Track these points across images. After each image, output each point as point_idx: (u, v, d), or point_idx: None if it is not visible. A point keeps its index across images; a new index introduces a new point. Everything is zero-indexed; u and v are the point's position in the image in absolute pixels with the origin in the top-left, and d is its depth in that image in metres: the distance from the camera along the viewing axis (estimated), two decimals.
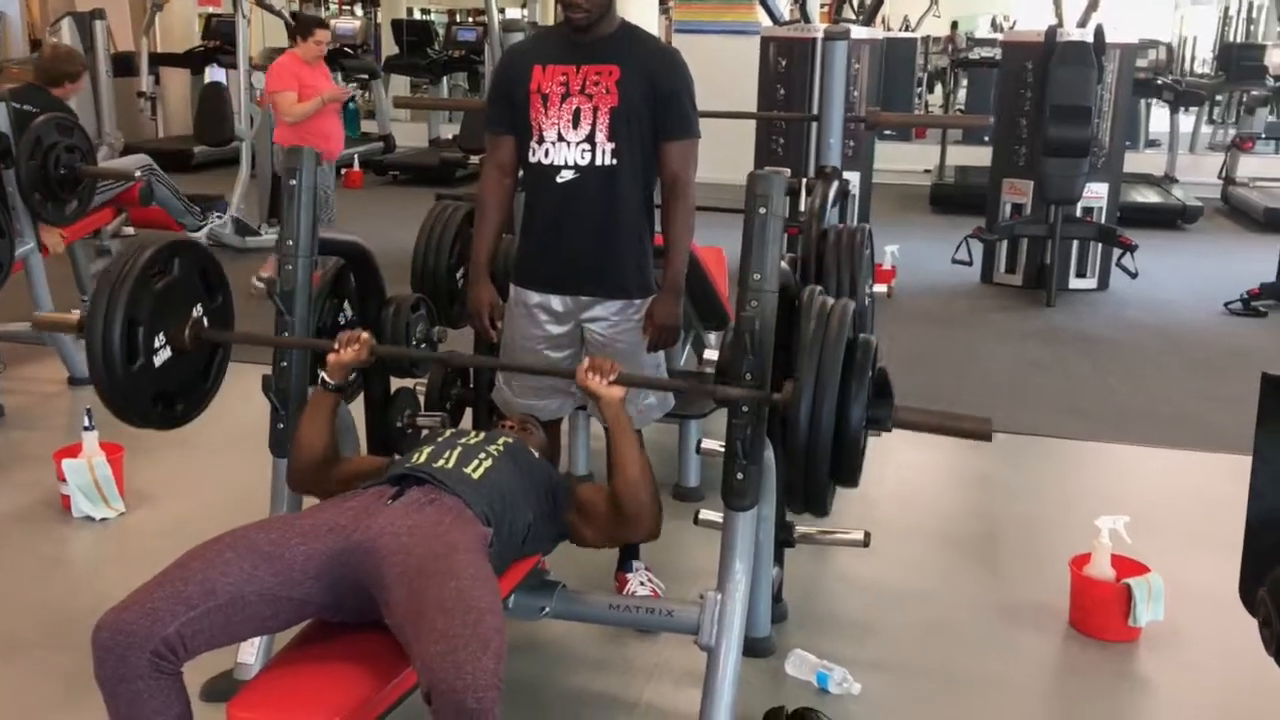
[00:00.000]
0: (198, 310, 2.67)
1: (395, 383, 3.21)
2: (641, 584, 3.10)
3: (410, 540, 2.02)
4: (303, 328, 2.73)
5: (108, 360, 2.46)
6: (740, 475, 2.47)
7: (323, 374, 2.50)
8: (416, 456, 2.34)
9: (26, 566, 3.36)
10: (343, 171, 10.79)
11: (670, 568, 3.31)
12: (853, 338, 2.29)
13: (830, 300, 2.40)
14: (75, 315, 2.62)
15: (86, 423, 3.66)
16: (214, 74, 8.00)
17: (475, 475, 2.28)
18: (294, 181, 2.72)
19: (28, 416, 4.61)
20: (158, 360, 2.56)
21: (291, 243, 2.71)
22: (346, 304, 3.11)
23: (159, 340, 2.56)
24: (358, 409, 3.12)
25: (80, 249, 5.52)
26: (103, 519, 3.61)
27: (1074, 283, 7.33)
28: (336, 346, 2.47)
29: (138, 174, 4.88)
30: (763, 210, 2.44)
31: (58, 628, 2.95)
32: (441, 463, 2.30)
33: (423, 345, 3.14)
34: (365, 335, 2.49)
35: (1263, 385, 1.47)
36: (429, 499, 2.16)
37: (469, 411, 3.61)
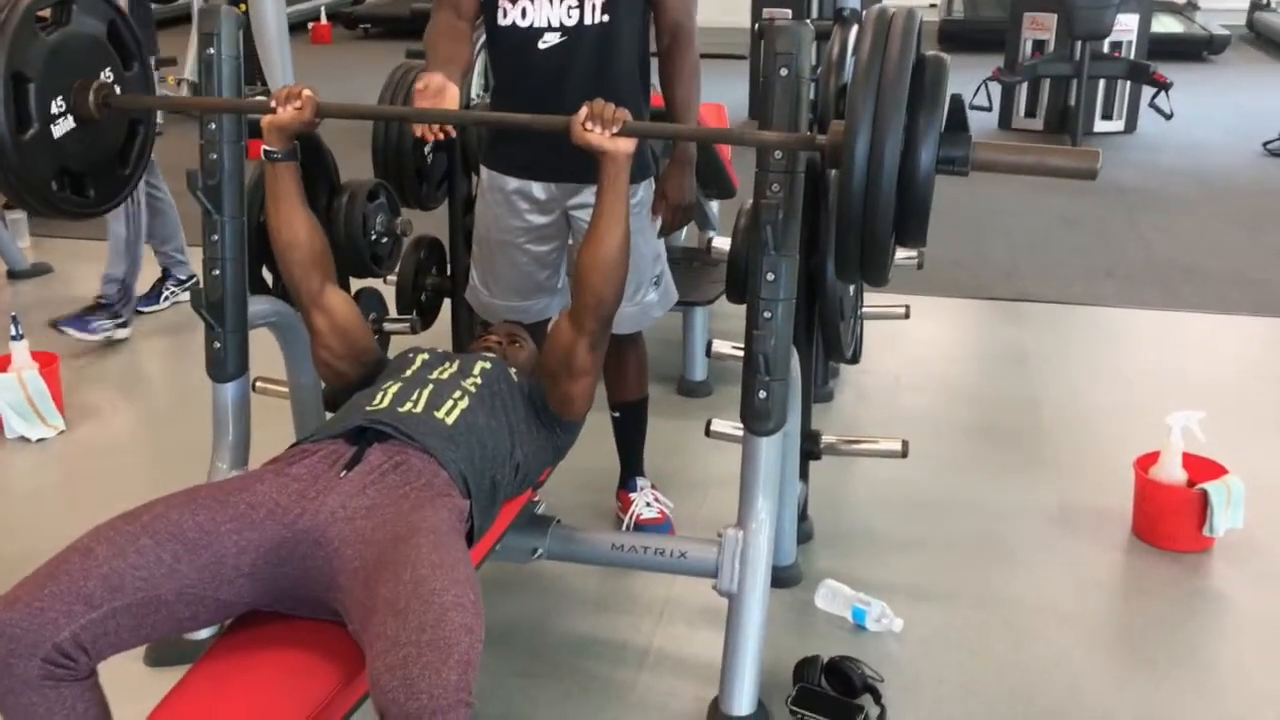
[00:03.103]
0: (106, 75, 2.22)
1: (356, 284, 2.78)
2: (648, 504, 2.73)
3: (367, 525, 1.62)
4: (234, 226, 2.28)
5: None
6: (763, 394, 2.07)
7: (265, 146, 2.07)
8: (380, 398, 1.91)
9: None
10: (309, 25, 10.12)
11: (679, 478, 2.95)
12: (920, 57, 1.80)
13: (889, 11, 1.90)
14: None
15: (14, 331, 3.24)
16: None
17: (448, 420, 1.87)
18: (211, 50, 2.24)
19: None
20: (57, 130, 2.13)
21: (214, 126, 2.24)
22: None
23: (58, 105, 2.13)
24: None
25: None
26: (40, 439, 3.21)
27: (1099, 125, 6.83)
28: (273, 104, 2.04)
29: None
30: (784, 71, 1.96)
31: None
32: (409, 406, 1.88)
33: (384, 239, 2.70)
34: (308, 92, 2.03)
35: None
36: (394, 462, 1.75)
37: (447, 303, 3.19)
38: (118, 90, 2.24)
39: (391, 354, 2.83)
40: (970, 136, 1.80)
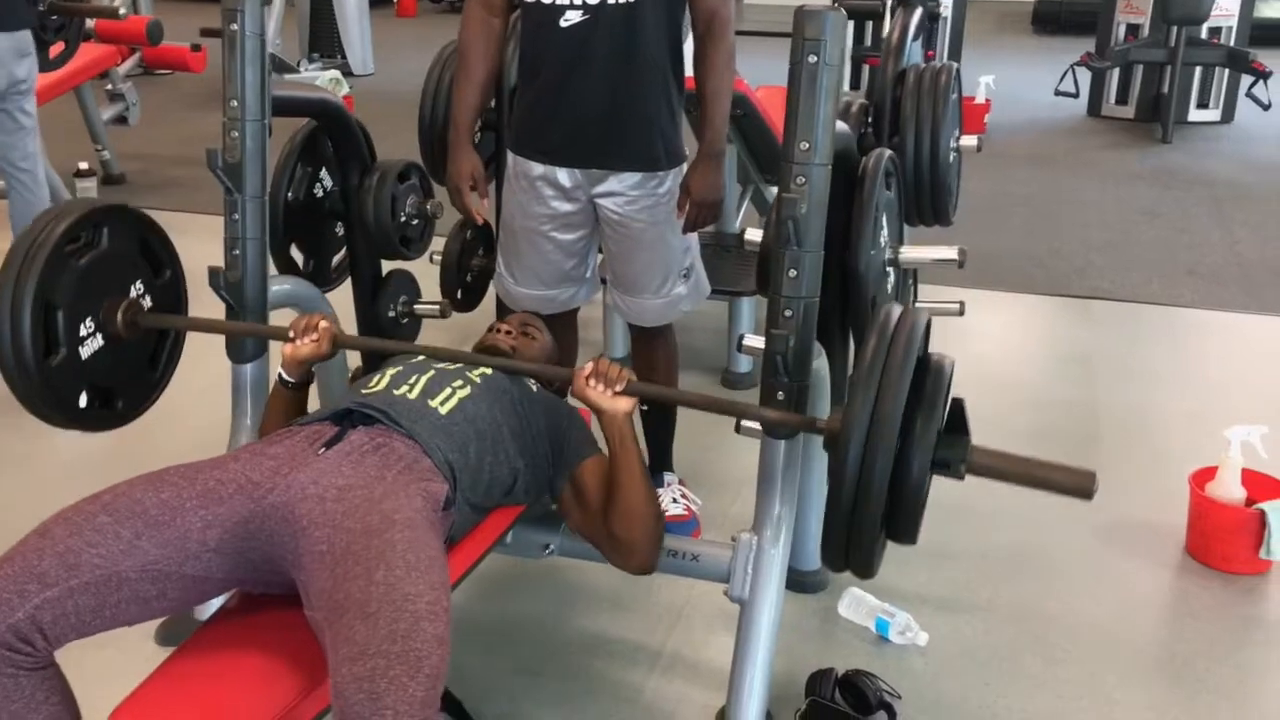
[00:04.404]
0: (136, 289, 2.19)
1: (387, 265, 2.74)
2: (674, 500, 2.66)
3: (339, 508, 1.58)
4: (255, 205, 2.24)
5: (18, 354, 1.98)
6: (781, 395, 1.98)
7: (280, 371, 2.04)
8: (376, 380, 1.88)
9: None
10: None
11: (711, 474, 2.87)
12: (924, 357, 1.79)
13: (896, 311, 1.86)
14: None
15: None
16: None
17: (443, 410, 1.81)
18: (234, 26, 2.20)
19: None
20: (85, 351, 2.09)
21: (235, 103, 2.22)
22: (326, 173, 2.64)
23: (86, 327, 2.09)
24: (344, 298, 2.68)
25: (89, 93, 5.07)
26: None
27: (1194, 115, 6.55)
28: (291, 335, 2.00)
29: (121, 10, 4.37)
30: (813, 58, 1.87)
31: None
32: (404, 390, 1.84)
33: (415, 221, 2.65)
34: (325, 324, 2.00)
35: None
36: (375, 444, 1.71)
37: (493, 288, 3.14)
38: (147, 303, 2.19)
39: (422, 338, 2.82)
40: (969, 441, 1.77)
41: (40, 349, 2.00)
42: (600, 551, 2.00)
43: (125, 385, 2.22)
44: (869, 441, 1.69)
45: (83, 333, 2.08)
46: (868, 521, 1.73)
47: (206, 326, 2.24)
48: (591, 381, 1.86)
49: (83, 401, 2.12)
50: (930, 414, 1.73)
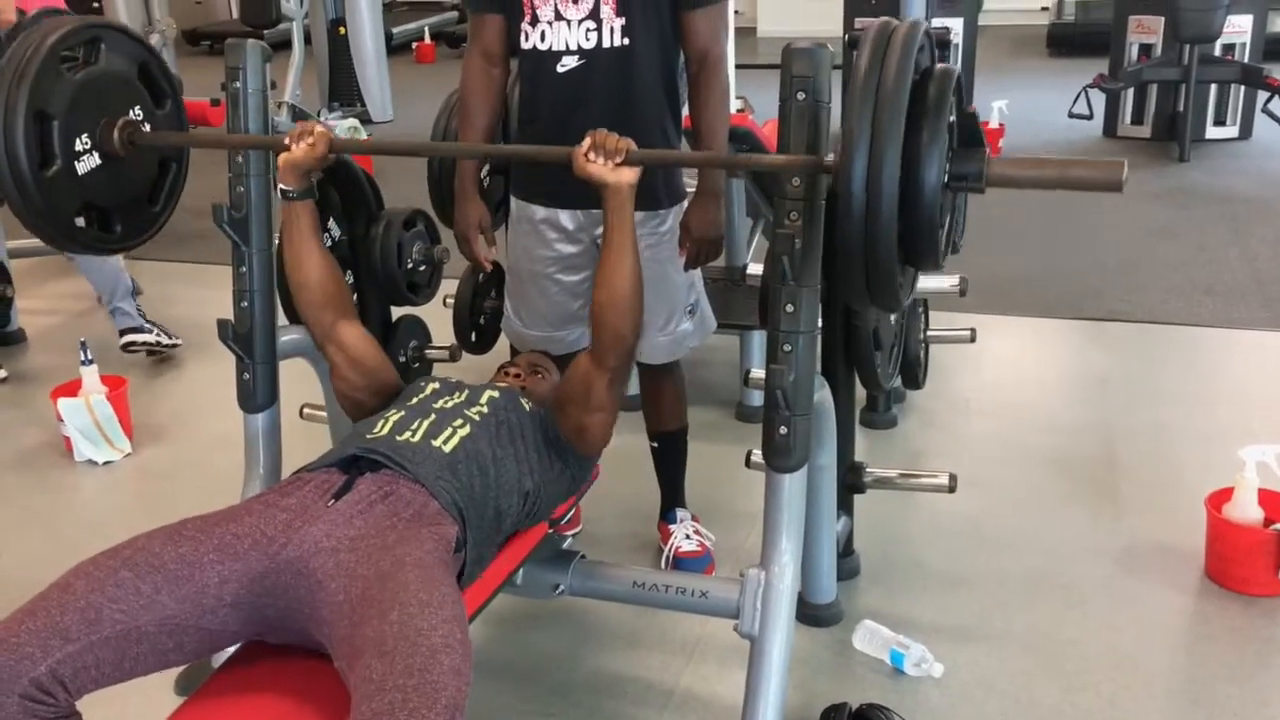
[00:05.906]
0: (135, 113, 2.27)
1: (397, 312, 2.77)
2: (687, 537, 2.66)
3: (352, 558, 1.60)
4: (262, 258, 2.29)
5: (13, 163, 2.08)
6: (784, 429, 1.99)
7: (280, 184, 2.10)
8: (380, 426, 1.90)
9: (16, 523, 3.06)
10: (413, 45, 10.29)
11: (726, 507, 2.87)
12: (926, 68, 1.73)
13: (891, 24, 1.82)
14: None
15: (84, 356, 3.33)
16: None
17: (446, 449, 1.84)
18: (237, 83, 2.25)
19: (51, 340, 4.30)
20: (82, 167, 2.17)
21: (240, 158, 2.26)
22: (333, 222, 2.67)
23: (82, 143, 2.17)
24: None
25: None
26: (106, 462, 3.30)
27: (1211, 132, 6.50)
28: (287, 141, 2.07)
29: None
30: (801, 95, 1.89)
31: None
32: (407, 435, 1.86)
33: (422, 267, 2.69)
34: (321, 129, 2.07)
35: None
36: (383, 492, 1.73)
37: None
38: (146, 128, 2.27)
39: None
40: (984, 152, 1.72)
41: (35, 159, 2.08)
42: (604, 400, 1.98)
43: (123, 210, 2.29)
44: (871, 160, 1.62)
45: (79, 148, 2.15)
46: (883, 247, 1.65)
47: (205, 141, 2.27)
48: (591, 155, 1.87)
49: (80, 221, 2.21)
50: (936, 124, 1.64)
